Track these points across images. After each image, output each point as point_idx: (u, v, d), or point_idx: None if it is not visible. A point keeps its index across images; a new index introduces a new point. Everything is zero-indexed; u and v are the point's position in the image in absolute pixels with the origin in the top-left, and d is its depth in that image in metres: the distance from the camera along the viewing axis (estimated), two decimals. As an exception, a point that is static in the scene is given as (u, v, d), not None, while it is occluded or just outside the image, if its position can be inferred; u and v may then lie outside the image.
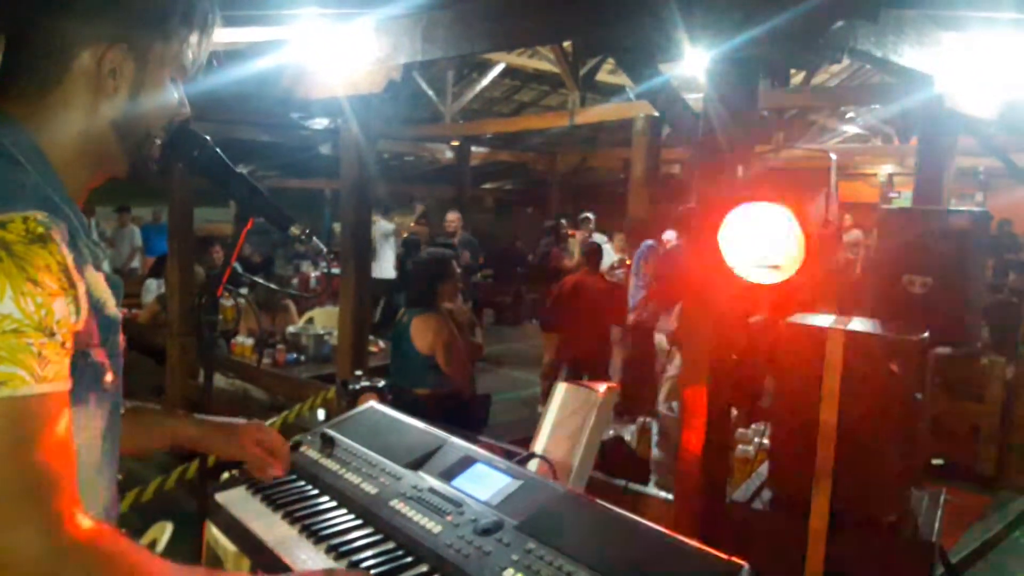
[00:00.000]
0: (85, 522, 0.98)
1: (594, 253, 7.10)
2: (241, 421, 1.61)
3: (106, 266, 1.13)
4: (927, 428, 2.79)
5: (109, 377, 1.11)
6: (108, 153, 1.16)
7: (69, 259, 0.98)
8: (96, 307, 1.05)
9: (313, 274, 10.95)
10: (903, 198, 12.36)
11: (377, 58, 3.79)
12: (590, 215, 11.03)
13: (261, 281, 3.91)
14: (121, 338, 1.15)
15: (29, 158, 1.05)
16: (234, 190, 1.36)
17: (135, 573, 1.00)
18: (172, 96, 1.19)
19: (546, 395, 7.44)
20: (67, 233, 1.00)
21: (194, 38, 1.18)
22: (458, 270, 4.21)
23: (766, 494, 2.66)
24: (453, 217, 10.40)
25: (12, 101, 1.10)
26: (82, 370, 1.03)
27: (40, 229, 0.96)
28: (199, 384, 5.96)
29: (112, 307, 1.10)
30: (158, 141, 1.20)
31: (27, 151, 1.06)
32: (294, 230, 1.41)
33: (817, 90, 10.10)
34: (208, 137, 1.30)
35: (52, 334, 0.95)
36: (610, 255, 8.35)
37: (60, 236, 0.98)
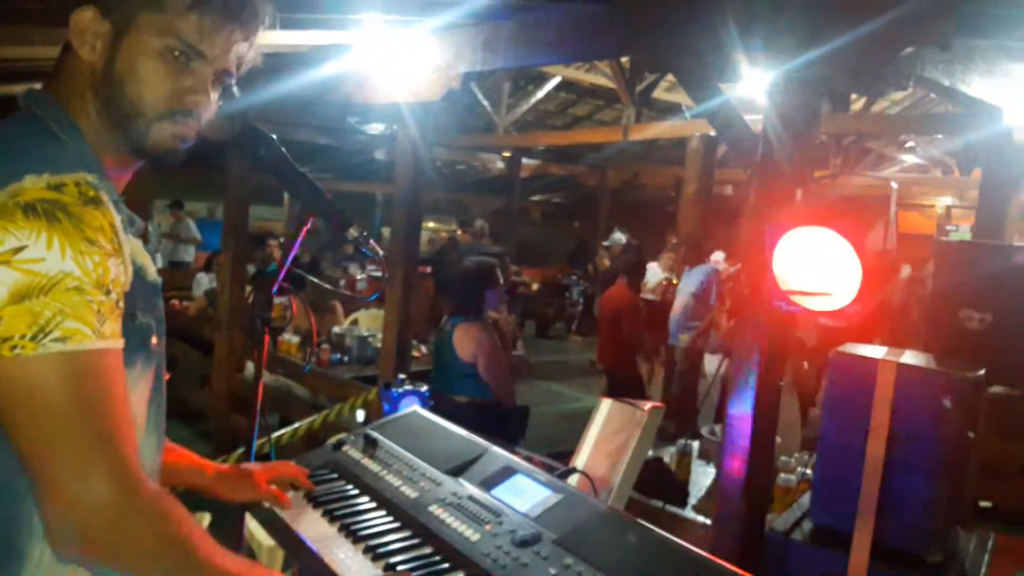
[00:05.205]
0: (148, 478, 1.01)
1: (632, 269, 7.04)
2: (253, 466, 1.68)
3: (142, 238, 1.14)
4: (977, 469, 2.71)
5: (155, 340, 1.13)
6: (107, 128, 1.11)
7: (117, 221, 1.01)
8: (139, 272, 1.08)
9: (359, 276, 11.05)
10: (961, 231, 12.07)
11: (438, 66, 3.83)
12: (621, 235, 10.83)
13: (318, 281, 3.96)
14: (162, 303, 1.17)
15: (66, 131, 1.07)
16: (297, 189, 1.39)
17: (190, 537, 1.03)
18: (164, 74, 1.09)
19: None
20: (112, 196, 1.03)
21: (195, 14, 1.08)
22: (502, 279, 4.22)
23: (807, 525, 2.60)
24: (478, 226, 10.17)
25: (56, 78, 1.13)
26: (130, 332, 1.05)
27: (92, 192, 0.99)
28: (244, 378, 6.02)
29: (153, 273, 1.13)
30: (164, 127, 1.11)
31: (64, 125, 1.08)
32: (352, 232, 1.43)
33: (878, 117, 9.93)
34: (275, 136, 1.33)
35: (108, 292, 0.98)
36: (656, 274, 8.28)
37: (108, 199, 1.01)
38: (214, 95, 1.15)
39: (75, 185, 0.98)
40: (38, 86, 1.13)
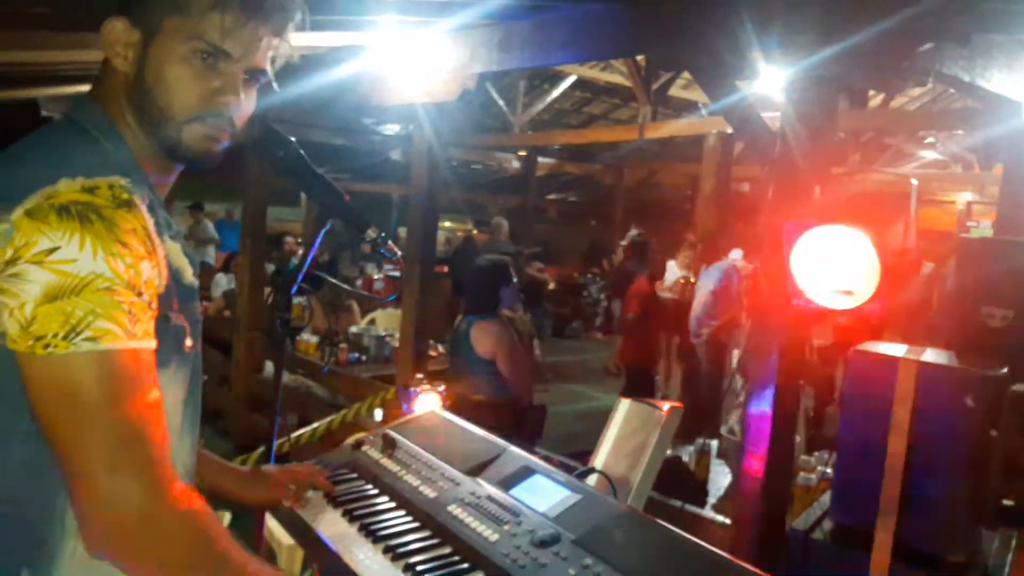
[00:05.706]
0: (178, 480, 1.02)
1: (640, 258, 7.05)
2: (272, 468, 1.71)
3: (181, 238, 1.15)
4: (1000, 468, 2.68)
5: (189, 342, 1.14)
6: (145, 134, 1.12)
7: (151, 224, 1.02)
8: (175, 274, 1.09)
9: (376, 276, 11.10)
10: (982, 227, 11.95)
11: (453, 67, 3.83)
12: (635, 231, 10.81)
13: (335, 281, 3.97)
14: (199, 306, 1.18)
15: (107, 136, 1.09)
16: (315, 191, 1.39)
17: (217, 540, 1.04)
18: (191, 78, 1.09)
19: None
20: (147, 200, 1.04)
21: (217, 13, 1.07)
22: (515, 277, 4.23)
23: (827, 525, 2.59)
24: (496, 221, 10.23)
25: (99, 85, 1.15)
26: (164, 333, 1.06)
27: (125, 195, 1.00)
28: (263, 378, 6.04)
29: (190, 275, 1.14)
30: (196, 130, 1.11)
31: (105, 131, 1.09)
32: (371, 233, 1.44)
33: (897, 113, 9.84)
34: (293, 139, 1.33)
35: (140, 293, 0.99)
36: (674, 272, 8.25)
37: (142, 202, 1.02)
38: (246, 94, 1.14)
39: (108, 188, 1.00)
40: (85, 88, 1.15)
